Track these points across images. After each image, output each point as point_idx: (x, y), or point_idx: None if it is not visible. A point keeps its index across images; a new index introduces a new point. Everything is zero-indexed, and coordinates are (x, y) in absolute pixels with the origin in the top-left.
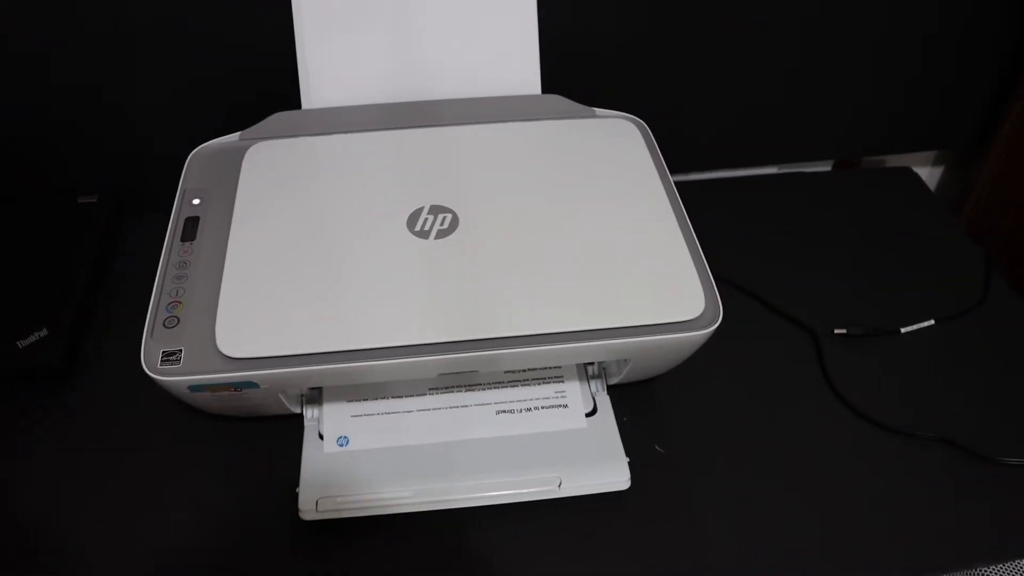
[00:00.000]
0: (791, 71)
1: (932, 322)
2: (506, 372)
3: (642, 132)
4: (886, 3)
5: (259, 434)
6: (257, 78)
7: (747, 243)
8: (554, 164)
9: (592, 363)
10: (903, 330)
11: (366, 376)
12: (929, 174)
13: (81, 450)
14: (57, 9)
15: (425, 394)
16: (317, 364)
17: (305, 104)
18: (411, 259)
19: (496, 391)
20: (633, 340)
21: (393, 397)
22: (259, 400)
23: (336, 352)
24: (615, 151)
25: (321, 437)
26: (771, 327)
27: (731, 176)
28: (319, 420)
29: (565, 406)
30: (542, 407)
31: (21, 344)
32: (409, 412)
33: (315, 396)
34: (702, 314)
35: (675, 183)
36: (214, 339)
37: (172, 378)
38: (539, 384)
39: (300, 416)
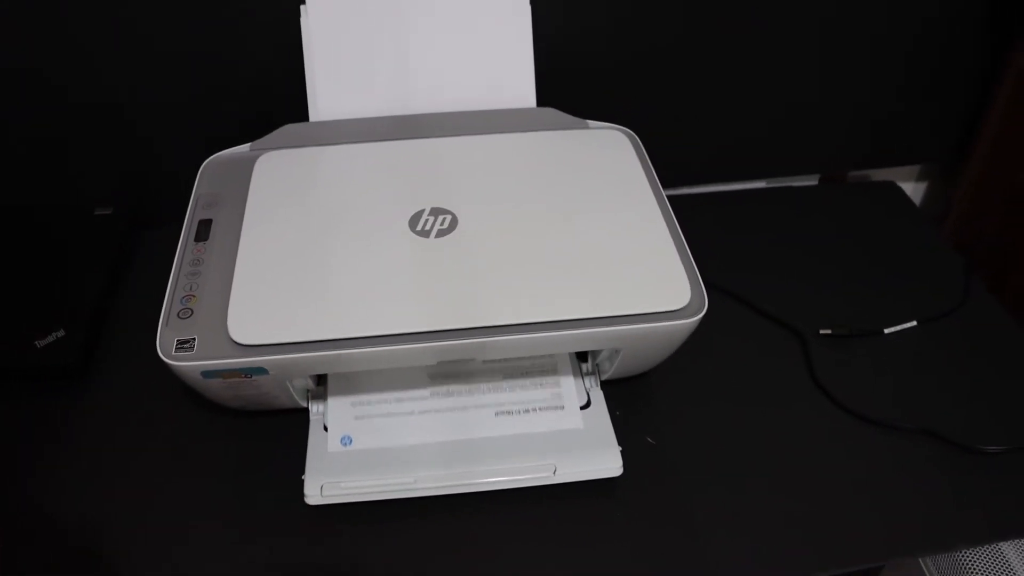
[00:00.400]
0: (779, 90)
1: (915, 323)
2: (504, 374)
3: (632, 141)
4: (869, 33)
5: (267, 432)
6: (266, 93)
7: (736, 252)
8: (548, 170)
9: (586, 361)
10: (887, 331)
11: (368, 362)
12: (913, 189)
13: (96, 446)
14: (74, 28)
15: (426, 397)
16: (322, 350)
17: (313, 117)
18: (412, 255)
19: (494, 394)
20: (624, 328)
21: (395, 400)
22: (268, 388)
23: (340, 339)
24: (606, 158)
25: (326, 429)
26: (760, 329)
27: (721, 190)
28: (324, 414)
29: (561, 407)
30: (539, 408)
31: (39, 344)
32: (410, 414)
33: (320, 393)
34: (688, 304)
35: (666, 197)
36: (226, 327)
37: (186, 363)
38: (536, 388)
39: (306, 412)
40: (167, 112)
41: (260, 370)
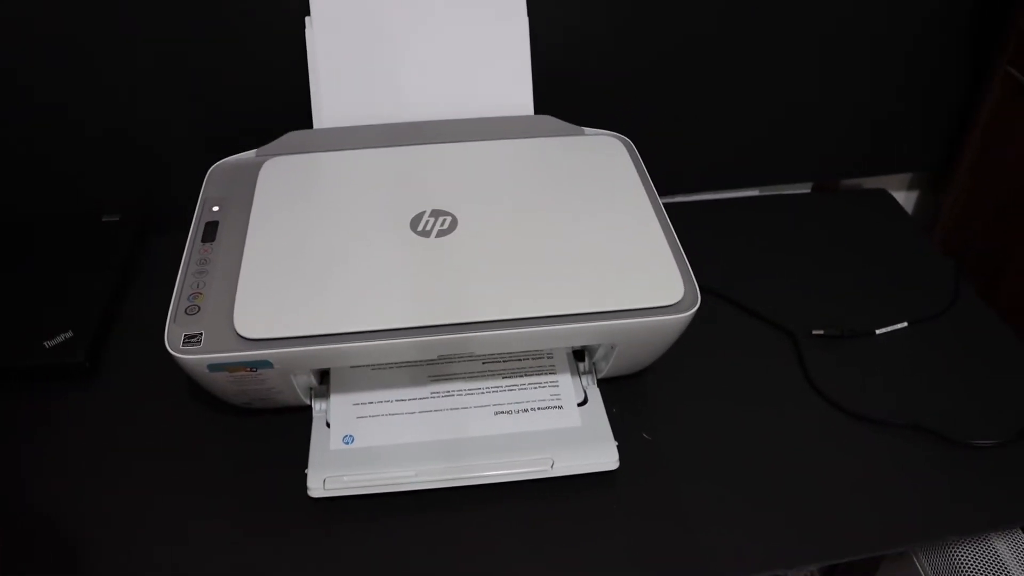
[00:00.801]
0: (774, 100)
1: (905, 324)
2: (504, 375)
3: (627, 147)
4: (867, 47)
5: (270, 432)
6: (271, 102)
7: (731, 257)
8: (546, 174)
9: (583, 359)
10: (878, 331)
11: (368, 356)
12: (904, 198)
13: (103, 444)
14: (81, 39)
15: (427, 397)
16: (325, 344)
17: (316, 124)
18: (413, 254)
19: (494, 394)
20: (619, 323)
21: (396, 400)
22: (272, 383)
23: (342, 333)
24: (602, 162)
25: (328, 425)
26: (754, 331)
27: (715, 198)
28: (326, 411)
29: (560, 407)
30: (538, 408)
31: (47, 344)
32: (411, 414)
33: (323, 391)
34: (681, 299)
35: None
36: (232, 323)
37: (193, 356)
38: (535, 388)
39: (307, 412)
40: (174, 122)
41: (265, 363)
